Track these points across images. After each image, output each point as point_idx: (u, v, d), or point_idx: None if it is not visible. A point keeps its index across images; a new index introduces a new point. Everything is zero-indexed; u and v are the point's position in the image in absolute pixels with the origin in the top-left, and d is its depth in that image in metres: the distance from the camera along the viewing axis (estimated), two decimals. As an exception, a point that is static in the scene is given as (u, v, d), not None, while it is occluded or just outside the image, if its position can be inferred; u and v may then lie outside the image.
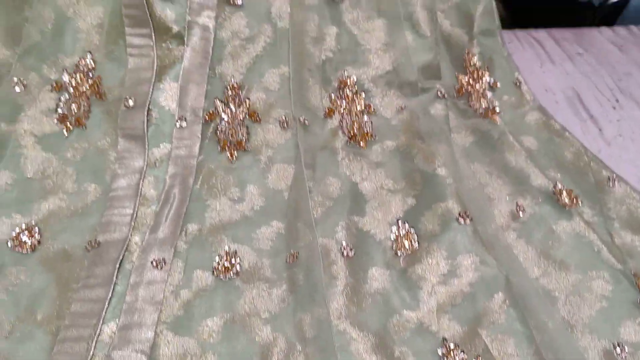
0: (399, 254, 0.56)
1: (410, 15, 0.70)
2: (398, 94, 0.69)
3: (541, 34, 0.89)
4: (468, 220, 0.57)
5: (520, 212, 0.59)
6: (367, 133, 0.66)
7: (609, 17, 1.55)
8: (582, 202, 0.61)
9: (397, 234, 0.57)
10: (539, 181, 0.62)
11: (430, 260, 0.54)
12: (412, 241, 0.56)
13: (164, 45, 0.65)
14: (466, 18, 0.74)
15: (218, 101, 0.65)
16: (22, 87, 0.63)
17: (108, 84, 0.65)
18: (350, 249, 0.55)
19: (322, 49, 0.68)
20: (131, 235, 0.56)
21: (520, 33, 0.89)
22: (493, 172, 0.63)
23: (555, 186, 0.61)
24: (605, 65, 0.82)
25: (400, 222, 0.58)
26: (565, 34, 0.89)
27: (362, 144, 0.65)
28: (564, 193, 0.60)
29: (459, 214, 0.57)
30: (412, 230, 0.57)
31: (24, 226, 0.55)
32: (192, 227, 0.57)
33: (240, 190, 0.60)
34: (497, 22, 0.75)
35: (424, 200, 0.59)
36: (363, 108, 0.68)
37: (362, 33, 0.69)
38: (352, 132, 0.66)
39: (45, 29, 0.65)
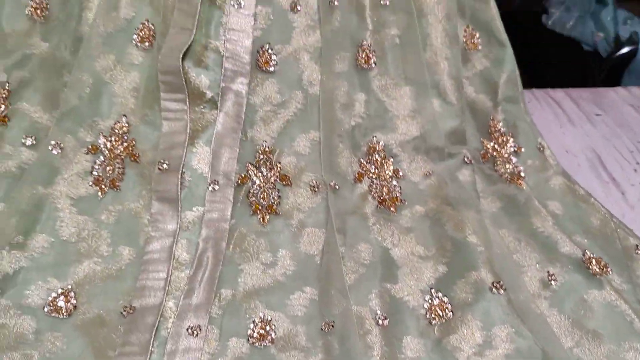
0: (433, 323, 0.56)
1: (437, 83, 0.73)
2: (425, 159, 0.70)
3: (559, 93, 0.91)
4: (502, 290, 0.57)
5: (552, 282, 0.60)
6: (396, 198, 0.67)
7: (616, 69, 1.58)
8: (611, 270, 0.61)
9: (430, 302, 0.57)
10: (567, 248, 0.63)
11: (465, 331, 0.55)
12: (446, 310, 0.57)
13: (197, 109, 0.67)
14: (490, 85, 0.76)
15: (250, 165, 0.66)
16: (59, 150, 0.64)
17: (142, 147, 0.66)
18: (385, 318, 0.56)
19: (351, 115, 0.70)
20: (165, 300, 0.56)
21: (539, 92, 0.91)
22: (521, 239, 0.64)
23: (584, 254, 0.62)
24: (624, 127, 0.84)
25: (433, 290, 0.58)
26: (583, 94, 0.92)
27: (392, 209, 0.66)
28: (594, 261, 0.61)
29: (492, 284, 0.58)
30: (446, 299, 0.57)
31: (60, 291, 0.55)
32: (226, 293, 0.58)
33: (272, 254, 0.61)
34: (520, 89, 0.77)
35: (455, 268, 0.60)
36: (392, 173, 0.69)
37: (390, 100, 0.71)
38: (381, 196, 0.67)
39: (83, 94, 0.66)
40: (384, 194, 0.67)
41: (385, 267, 0.60)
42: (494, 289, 0.57)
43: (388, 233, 0.63)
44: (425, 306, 0.57)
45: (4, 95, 0.66)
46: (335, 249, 0.60)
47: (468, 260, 0.60)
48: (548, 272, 0.60)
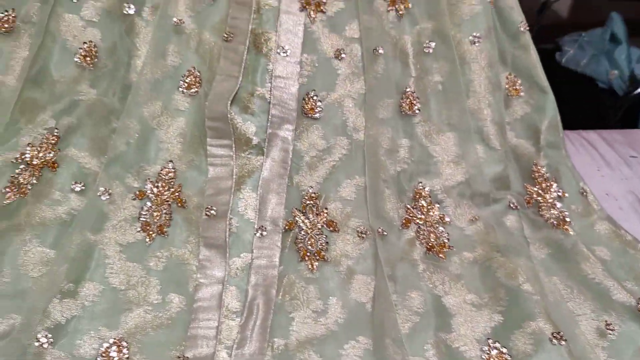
0: (492, 375, 0.55)
1: (481, 129, 0.74)
2: (470, 205, 0.71)
3: (592, 135, 0.92)
4: (562, 341, 0.56)
5: (610, 331, 0.59)
6: (444, 244, 0.67)
7: (632, 107, 1.59)
8: (666, 318, 0.60)
9: (488, 353, 0.56)
10: (620, 295, 0.62)
11: (527, 383, 0.54)
12: (506, 362, 0.56)
13: (243, 155, 0.68)
14: (532, 131, 0.77)
15: (296, 210, 0.66)
16: (108, 196, 0.64)
17: (188, 192, 0.67)
18: (443, 369, 0.55)
19: (396, 161, 0.71)
20: (217, 350, 0.56)
21: (572, 134, 0.91)
22: (573, 287, 0.63)
23: (639, 302, 0.61)
24: (660, 169, 0.84)
25: (490, 340, 0.57)
26: (615, 136, 0.92)
27: (441, 255, 0.66)
28: (649, 309, 0.61)
29: (552, 334, 0.57)
30: (505, 350, 0.56)
31: (112, 340, 0.55)
32: (279, 342, 0.57)
33: (323, 302, 0.60)
34: (562, 134, 0.77)
35: (512, 317, 0.59)
36: (438, 219, 0.69)
37: (433, 145, 0.72)
38: (429, 243, 0.67)
39: (131, 140, 0.67)
40: (432, 240, 0.67)
41: (439, 316, 0.60)
42: (554, 340, 0.56)
43: (439, 280, 0.63)
44: (484, 357, 0.56)
45: (53, 142, 0.66)
46: (388, 297, 0.59)
47: (524, 309, 0.59)
48: (606, 321, 0.60)
